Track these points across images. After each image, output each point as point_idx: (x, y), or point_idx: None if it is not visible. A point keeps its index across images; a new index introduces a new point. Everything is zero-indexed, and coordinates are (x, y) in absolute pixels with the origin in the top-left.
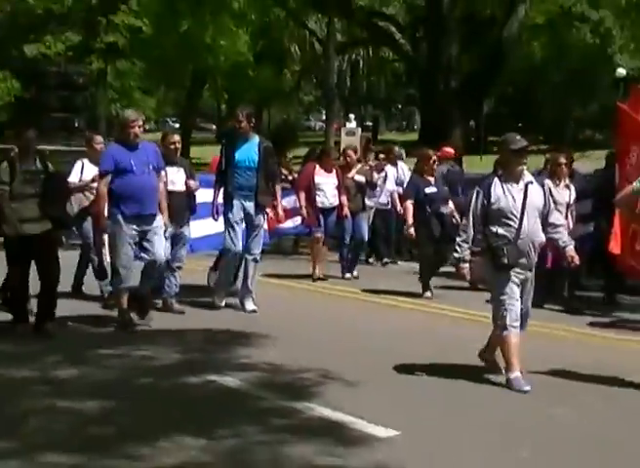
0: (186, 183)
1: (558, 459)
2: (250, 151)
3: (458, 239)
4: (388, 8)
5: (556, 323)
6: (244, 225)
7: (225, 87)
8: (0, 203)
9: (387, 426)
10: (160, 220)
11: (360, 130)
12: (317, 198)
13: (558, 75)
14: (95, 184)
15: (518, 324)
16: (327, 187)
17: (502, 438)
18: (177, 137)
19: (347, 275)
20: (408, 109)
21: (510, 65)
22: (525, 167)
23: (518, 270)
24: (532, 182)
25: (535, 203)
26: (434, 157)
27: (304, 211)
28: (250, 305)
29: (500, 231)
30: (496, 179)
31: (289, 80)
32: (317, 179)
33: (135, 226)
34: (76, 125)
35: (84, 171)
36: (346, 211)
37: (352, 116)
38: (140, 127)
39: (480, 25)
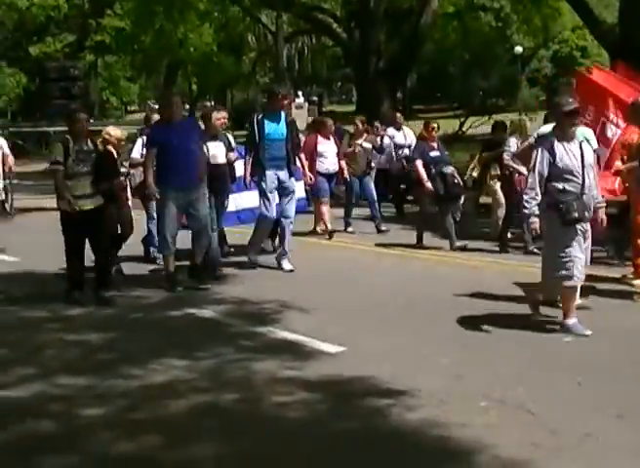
0: (226, 156)
1: (478, 362)
2: (280, 125)
3: (525, 196)
4: (326, 2)
5: None
6: (276, 193)
7: (195, 72)
8: (56, 181)
9: (336, 343)
10: (204, 188)
11: (307, 104)
12: (322, 165)
13: (466, 54)
14: None
15: (583, 275)
16: (329, 154)
17: (436, 349)
18: (224, 113)
19: (350, 229)
20: (346, 86)
21: (427, 47)
22: (576, 127)
23: (582, 224)
24: (583, 141)
25: (589, 160)
26: (435, 125)
27: (308, 176)
28: (287, 265)
29: (568, 187)
30: (555, 139)
31: (247, 65)
32: (320, 148)
33: (180, 195)
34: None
35: (144, 147)
36: (347, 174)
37: (300, 93)
38: (177, 105)
39: (402, 16)
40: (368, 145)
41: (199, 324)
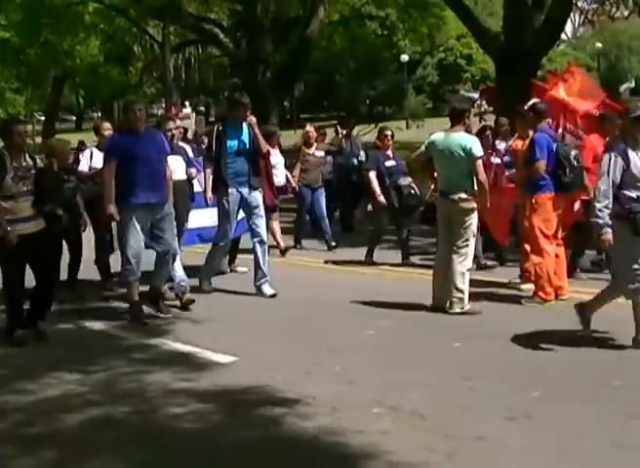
0: (186, 172)
1: (371, 369)
2: (244, 137)
3: (597, 205)
4: (213, 13)
5: None
6: (240, 211)
7: (82, 83)
8: None
9: (229, 354)
10: (171, 207)
11: (194, 114)
12: (275, 178)
13: (353, 62)
14: None
15: None
16: (280, 166)
17: (330, 357)
18: (172, 124)
19: (299, 246)
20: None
21: (315, 56)
22: None
23: None
24: None
25: None
26: (389, 133)
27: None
28: (268, 290)
29: None
30: (623, 145)
31: (134, 76)
32: (272, 160)
33: (146, 213)
34: None
35: (93, 158)
36: (295, 184)
37: (187, 103)
38: (140, 111)
39: (289, 25)
40: (320, 153)
41: (91, 337)
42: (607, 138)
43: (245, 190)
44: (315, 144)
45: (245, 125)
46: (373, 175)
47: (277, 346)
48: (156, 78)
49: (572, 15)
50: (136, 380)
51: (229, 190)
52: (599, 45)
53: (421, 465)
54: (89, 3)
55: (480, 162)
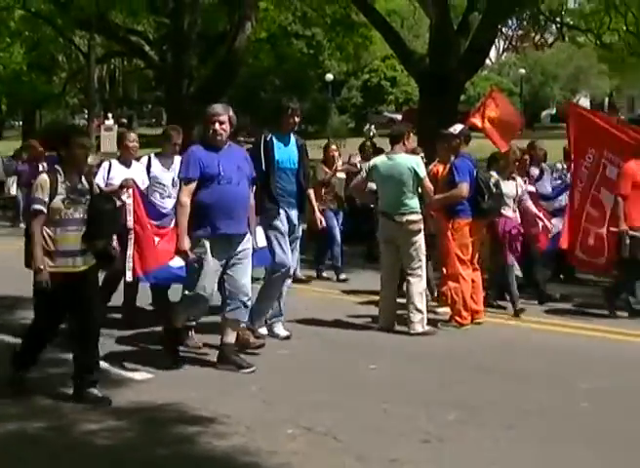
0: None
1: (287, 389)
2: (291, 151)
3: None
4: (140, 25)
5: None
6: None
7: (4, 91)
8: (33, 228)
9: (144, 371)
10: (249, 242)
11: (117, 126)
12: None
13: (278, 79)
14: (125, 191)
15: None
16: None
17: (246, 376)
18: (135, 135)
19: (325, 273)
20: (156, 109)
21: (240, 72)
22: None
23: None
24: None
25: None
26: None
27: (319, 219)
28: (283, 331)
29: None
30: None
31: (57, 85)
32: None
33: (223, 250)
34: None
35: (111, 173)
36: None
37: (110, 115)
38: (222, 123)
39: (215, 40)
40: (342, 175)
41: (4, 351)
42: None
43: (294, 213)
44: (339, 163)
45: (293, 137)
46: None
47: (193, 364)
48: (80, 89)
49: (496, 40)
50: (51, 396)
51: (280, 210)
52: (522, 71)
53: None
54: (14, 9)
55: (428, 182)
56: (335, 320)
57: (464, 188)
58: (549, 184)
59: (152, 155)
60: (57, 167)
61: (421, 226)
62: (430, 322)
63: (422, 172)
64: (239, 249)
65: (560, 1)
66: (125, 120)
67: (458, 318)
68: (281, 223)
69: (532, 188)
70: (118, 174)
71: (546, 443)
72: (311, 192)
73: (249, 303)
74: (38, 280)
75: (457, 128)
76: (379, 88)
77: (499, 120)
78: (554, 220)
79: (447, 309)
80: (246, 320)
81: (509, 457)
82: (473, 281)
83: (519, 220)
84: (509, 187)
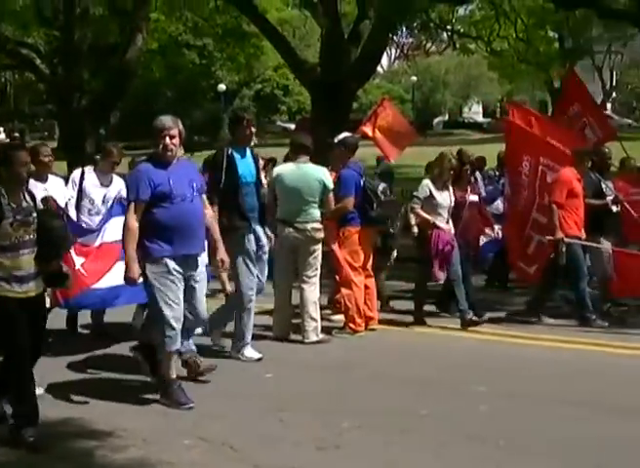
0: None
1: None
2: (249, 163)
3: None
4: (30, 38)
5: None
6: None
7: None
8: None
9: (41, 386)
10: (204, 264)
11: (8, 140)
12: None
13: (171, 90)
14: None
15: None
16: None
17: (143, 389)
18: (47, 149)
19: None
20: (49, 122)
21: (133, 83)
22: None
23: None
24: None
25: None
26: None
27: None
28: (255, 353)
29: None
30: None
31: None
32: None
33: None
34: None
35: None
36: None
37: (2, 129)
38: (173, 138)
39: (107, 52)
40: (475, 198)
41: None
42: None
43: (259, 228)
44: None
45: (249, 150)
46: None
47: (90, 378)
48: None
49: (388, 48)
50: None
51: (250, 229)
52: (414, 78)
53: None
54: None
55: (331, 193)
56: (230, 330)
57: (348, 203)
58: (483, 191)
59: (87, 169)
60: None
61: (322, 235)
62: (325, 330)
63: (330, 183)
64: (197, 270)
65: (450, 9)
66: (17, 134)
67: (352, 325)
68: (249, 245)
69: (475, 198)
70: (34, 190)
71: (442, 447)
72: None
73: (195, 331)
74: None
75: (340, 136)
76: (272, 97)
77: (389, 130)
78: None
79: (341, 316)
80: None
81: (404, 461)
82: (367, 287)
83: (453, 231)
84: (443, 197)
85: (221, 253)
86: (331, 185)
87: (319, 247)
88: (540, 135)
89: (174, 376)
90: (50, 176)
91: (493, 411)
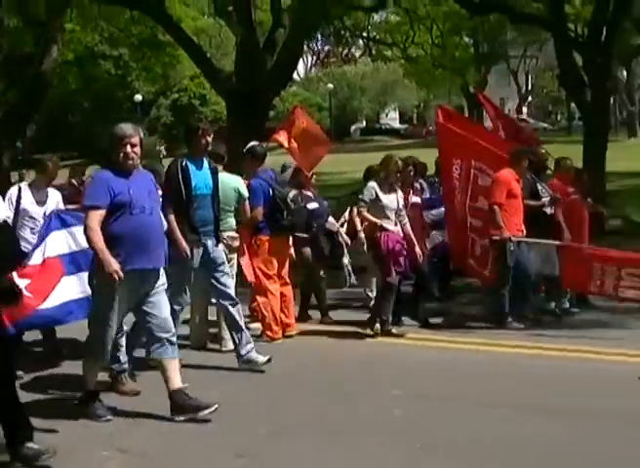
0: None
1: None
2: (205, 175)
3: None
4: None
5: None
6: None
7: None
8: None
9: None
10: (164, 276)
11: None
12: None
13: (87, 101)
14: None
15: None
16: None
17: (64, 398)
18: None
19: None
20: None
21: (49, 95)
22: None
23: None
24: None
25: None
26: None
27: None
28: (260, 357)
29: None
30: None
31: None
32: None
33: (137, 287)
34: None
35: None
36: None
37: None
38: (134, 146)
39: (22, 63)
40: (417, 200)
41: None
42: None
43: (210, 241)
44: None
45: (205, 160)
46: None
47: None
48: None
49: (304, 56)
50: None
51: (199, 243)
52: (330, 86)
53: None
54: None
55: (247, 202)
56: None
57: (257, 213)
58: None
59: (23, 185)
60: None
61: (238, 243)
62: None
63: (246, 192)
64: (156, 284)
65: (366, 16)
66: None
67: (269, 332)
68: (194, 259)
69: (417, 199)
70: None
71: (357, 450)
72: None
73: (174, 339)
74: None
75: (249, 145)
76: (188, 107)
77: (304, 139)
78: (433, 232)
79: (258, 325)
80: (176, 355)
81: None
82: (283, 295)
83: (402, 234)
84: (390, 199)
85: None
86: (246, 194)
87: (235, 256)
88: (472, 138)
89: (92, 389)
90: None
91: (408, 414)
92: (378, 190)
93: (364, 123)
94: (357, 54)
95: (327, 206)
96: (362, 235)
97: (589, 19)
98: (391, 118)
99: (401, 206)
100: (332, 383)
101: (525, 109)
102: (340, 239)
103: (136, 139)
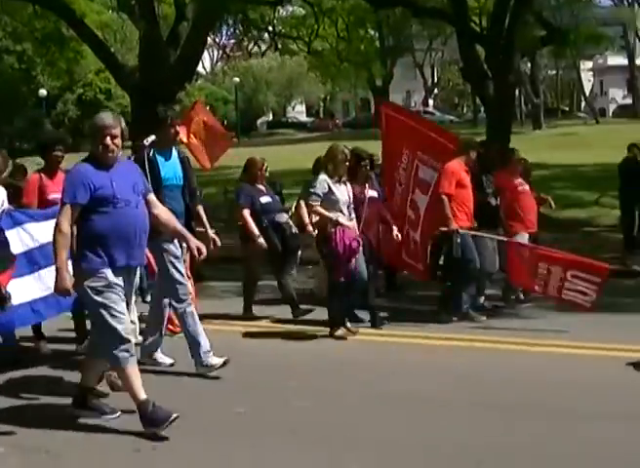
0: None
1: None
2: (174, 165)
3: None
4: None
5: None
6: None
7: None
8: None
9: None
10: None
11: None
12: None
13: None
14: None
15: None
16: None
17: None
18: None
19: None
20: None
21: None
22: None
23: None
24: None
25: None
26: (265, 164)
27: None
28: (217, 360)
29: None
30: None
31: None
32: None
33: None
34: None
35: None
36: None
37: None
38: (115, 138)
39: None
40: (374, 194)
41: None
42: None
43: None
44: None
45: (175, 150)
46: (247, 213)
47: None
48: None
49: (210, 50)
50: None
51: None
52: (236, 79)
53: None
54: None
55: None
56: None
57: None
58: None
59: None
60: None
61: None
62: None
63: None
64: (133, 284)
65: (271, 9)
66: None
67: (170, 326)
68: (174, 246)
69: (373, 193)
70: None
71: (259, 443)
72: (201, 209)
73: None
74: None
75: (149, 139)
76: (94, 101)
77: (204, 135)
78: None
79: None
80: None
81: (223, 461)
82: None
83: (357, 230)
84: (341, 191)
85: (194, 241)
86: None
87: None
88: (421, 129)
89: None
90: None
91: (312, 407)
92: (330, 183)
93: (270, 116)
94: (263, 47)
95: (278, 200)
96: (310, 228)
97: (491, 12)
98: (298, 111)
99: (351, 200)
100: (231, 377)
101: (431, 102)
102: (294, 231)
103: (116, 131)
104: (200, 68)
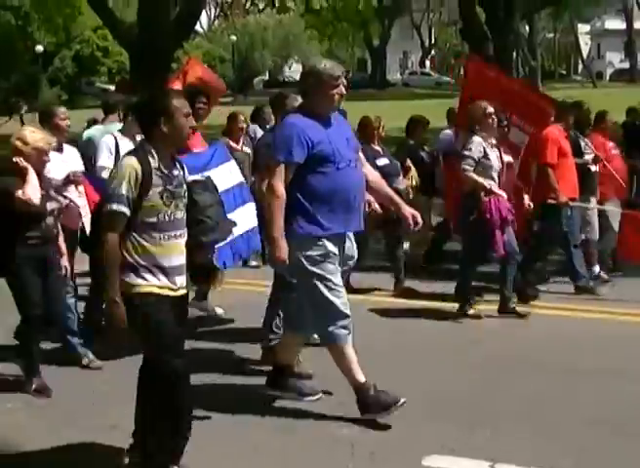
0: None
1: None
2: None
3: None
4: None
5: None
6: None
7: None
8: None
9: None
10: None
11: None
12: None
13: None
14: (72, 188)
15: None
16: None
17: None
18: (63, 109)
19: None
20: None
21: None
22: None
23: None
24: None
25: None
26: (382, 122)
27: None
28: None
29: None
30: None
31: None
32: None
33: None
34: None
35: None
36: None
37: None
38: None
39: None
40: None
41: None
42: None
43: None
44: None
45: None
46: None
47: None
48: None
49: (208, 8)
50: None
51: None
52: (233, 38)
53: None
54: None
55: None
56: None
57: None
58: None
59: None
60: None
61: None
62: None
63: None
64: (349, 254)
65: None
66: None
67: None
68: None
69: (509, 158)
70: (52, 162)
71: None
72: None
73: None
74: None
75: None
76: (91, 58)
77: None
78: None
79: None
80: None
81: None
82: None
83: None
84: (494, 157)
85: (408, 209)
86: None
87: None
88: (513, 87)
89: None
90: (65, 146)
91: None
92: (486, 147)
93: (267, 75)
94: (261, 5)
95: (397, 163)
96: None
97: None
98: (295, 71)
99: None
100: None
101: (428, 63)
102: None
103: (343, 81)
104: (197, 27)
